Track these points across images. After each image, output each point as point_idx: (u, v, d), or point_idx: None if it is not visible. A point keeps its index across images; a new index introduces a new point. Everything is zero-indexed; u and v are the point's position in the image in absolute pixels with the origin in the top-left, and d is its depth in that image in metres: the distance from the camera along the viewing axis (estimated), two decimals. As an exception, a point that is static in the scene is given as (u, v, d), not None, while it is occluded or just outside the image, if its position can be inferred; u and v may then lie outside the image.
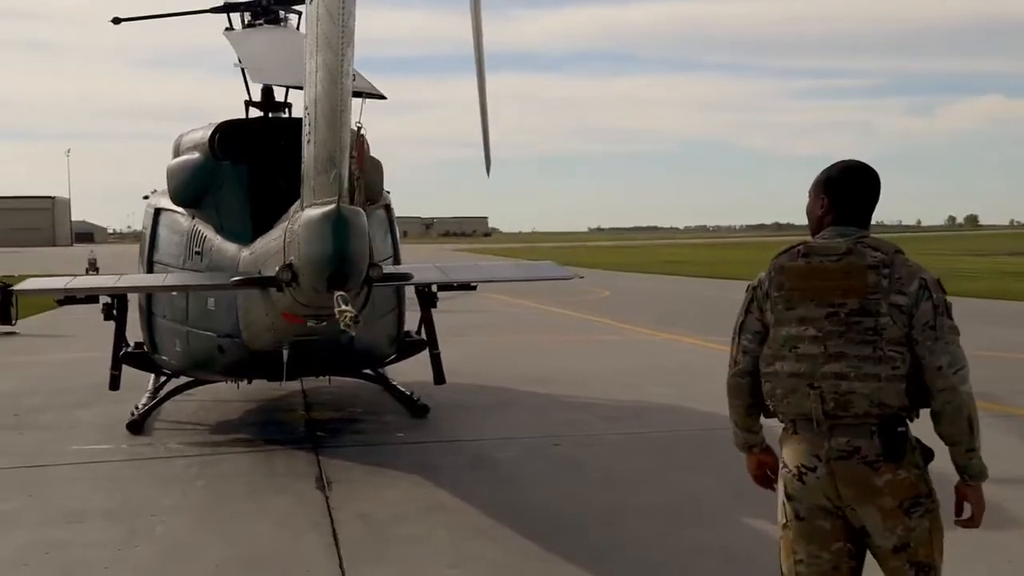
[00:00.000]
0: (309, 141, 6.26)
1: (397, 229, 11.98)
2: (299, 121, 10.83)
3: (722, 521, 7.12)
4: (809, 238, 3.88)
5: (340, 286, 6.18)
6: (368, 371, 11.88)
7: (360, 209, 6.15)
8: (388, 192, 12.56)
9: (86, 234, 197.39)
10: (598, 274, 50.54)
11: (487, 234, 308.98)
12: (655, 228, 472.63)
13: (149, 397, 11.58)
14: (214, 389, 12.09)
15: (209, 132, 10.20)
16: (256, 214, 9.64)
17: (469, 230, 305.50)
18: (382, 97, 7.39)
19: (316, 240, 6.06)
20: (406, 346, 12.20)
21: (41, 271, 44.31)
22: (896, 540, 3.59)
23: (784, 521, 3.76)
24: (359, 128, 7.00)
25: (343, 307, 5.88)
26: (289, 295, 6.94)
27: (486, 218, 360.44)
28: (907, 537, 3.58)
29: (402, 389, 12.13)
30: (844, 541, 3.67)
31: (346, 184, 5.98)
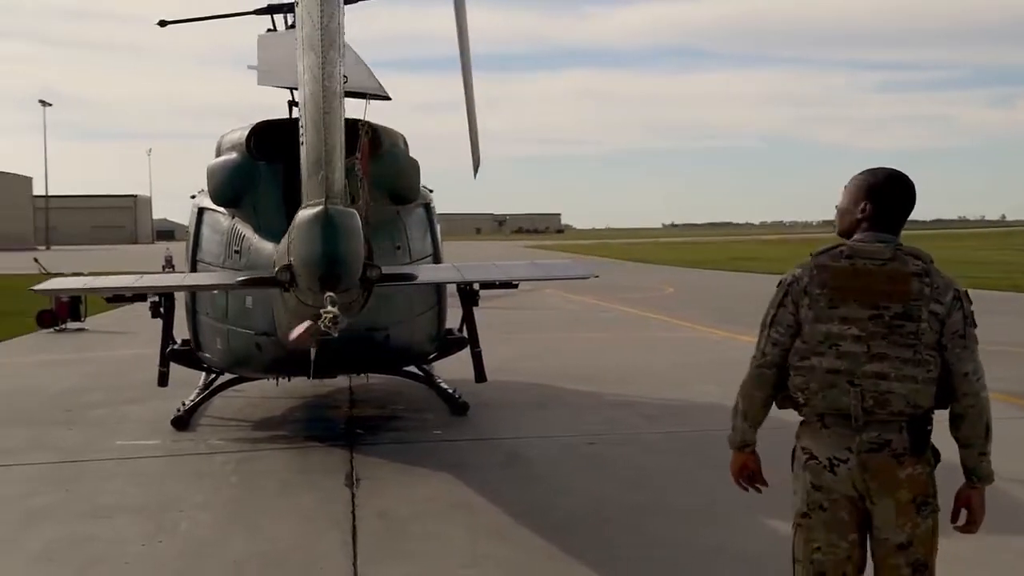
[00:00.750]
0: (302, 143, 6.30)
1: (438, 227, 12.02)
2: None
3: (741, 523, 7.03)
4: (844, 240, 4.00)
5: (333, 287, 6.21)
6: (413, 368, 11.95)
7: (352, 210, 6.15)
8: (431, 191, 12.61)
9: (167, 232, 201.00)
10: (666, 270, 50.36)
11: (560, 231, 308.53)
12: (729, 224, 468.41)
13: (197, 394, 11.76)
14: (262, 386, 12.26)
15: (246, 132, 10.31)
16: (292, 213, 9.71)
17: (542, 227, 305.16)
18: (387, 98, 7.37)
19: (306, 242, 6.10)
20: (447, 344, 12.23)
21: (119, 268, 45.30)
22: (904, 537, 3.78)
23: (805, 510, 3.90)
24: (363, 128, 7.02)
25: (327, 308, 5.91)
26: (293, 295, 6.99)
27: (559, 215, 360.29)
28: (912, 535, 3.78)
29: (444, 386, 12.17)
30: (858, 532, 3.85)
31: (338, 185, 5.99)
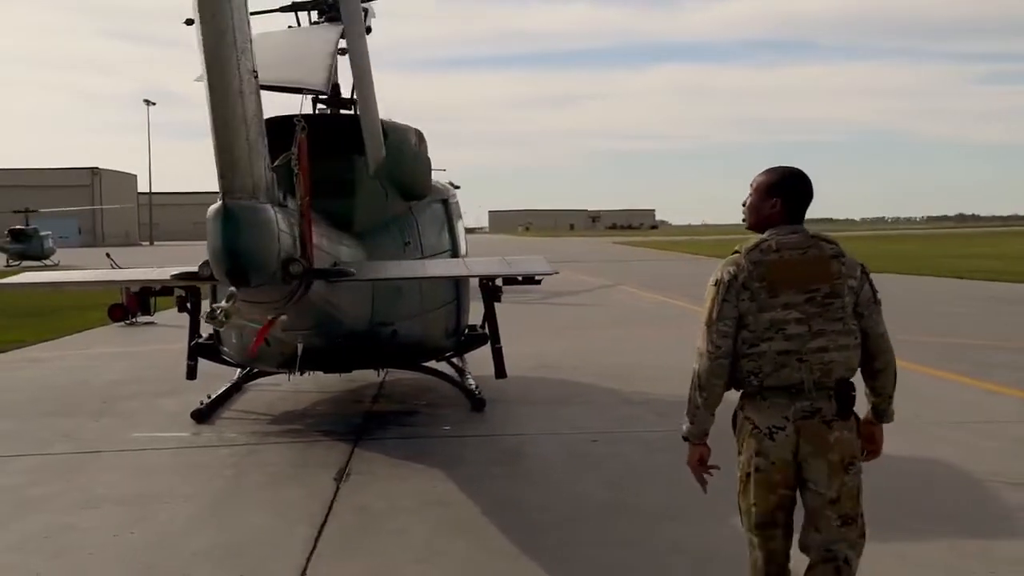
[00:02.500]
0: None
1: (459, 223, 12.01)
2: (343, 116, 11.07)
3: (711, 521, 6.89)
4: (757, 237, 4.50)
5: (241, 281, 6.23)
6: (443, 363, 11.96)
7: (259, 205, 6.11)
8: (457, 187, 12.63)
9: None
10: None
11: (654, 227, 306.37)
12: (829, 220, 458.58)
13: (227, 387, 11.96)
14: (296, 381, 12.37)
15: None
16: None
17: (636, 223, 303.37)
18: (323, 93, 7.33)
19: (208, 237, 6.13)
20: (468, 339, 12.22)
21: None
22: (833, 493, 4.30)
23: (749, 471, 4.42)
24: (299, 123, 7.03)
25: (220, 303, 5.94)
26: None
27: (653, 211, 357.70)
28: (840, 491, 4.31)
29: (471, 383, 12.18)
30: (788, 488, 4.38)
31: (243, 180, 5.96)
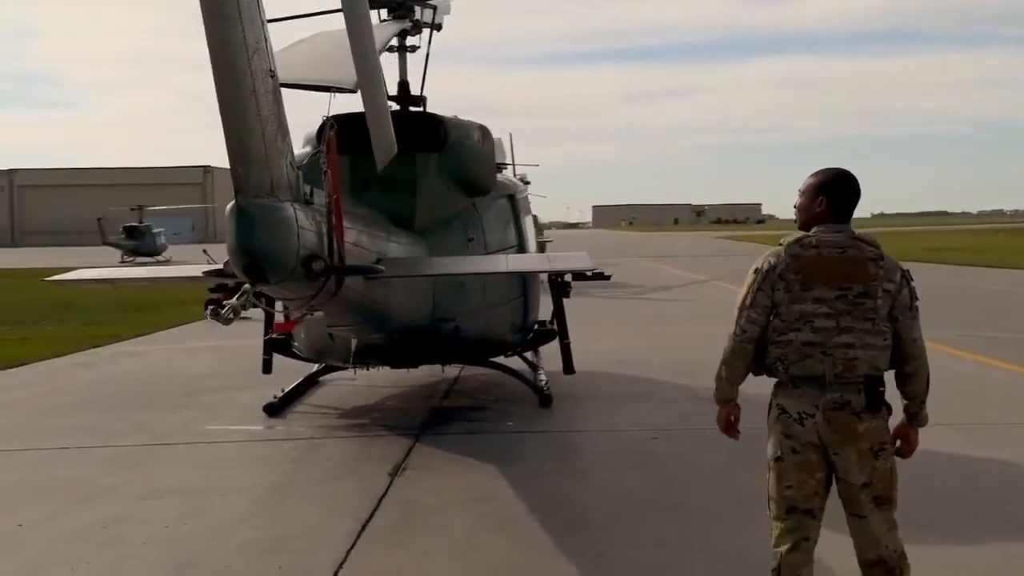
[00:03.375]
0: None
1: (526, 218, 12.02)
2: (404, 114, 11.14)
3: (749, 523, 6.73)
4: (801, 232, 4.69)
5: (259, 279, 6.31)
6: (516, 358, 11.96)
7: (271, 203, 6.15)
8: (528, 182, 12.63)
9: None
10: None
11: (760, 221, 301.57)
12: (944, 213, 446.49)
13: (299, 382, 12.17)
14: (371, 376, 12.50)
15: (317, 127, 10.56)
16: (359, 206, 9.91)
17: (741, 217, 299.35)
18: (352, 91, 7.36)
19: (227, 236, 6.21)
20: (537, 335, 12.22)
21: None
22: (864, 478, 4.50)
23: (779, 455, 4.60)
24: (328, 123, 7.10)
25: (231, 300, 6.02)
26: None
27: (759, 205, 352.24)
28: (872, 475, 4.51)
29: (542, 378, 12.21)
30: (824, 472, 4.58)
31: (258, 178, 6.02)
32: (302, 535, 6.98)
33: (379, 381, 13.03)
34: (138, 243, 67.37)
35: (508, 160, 35.28)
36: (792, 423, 4.55)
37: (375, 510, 7.53)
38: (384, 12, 12.06)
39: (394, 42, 11.83)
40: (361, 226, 8.09)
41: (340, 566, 6.33)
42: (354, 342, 9.23)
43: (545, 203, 57.38)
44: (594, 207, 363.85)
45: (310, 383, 12.24)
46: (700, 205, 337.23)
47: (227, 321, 6.14)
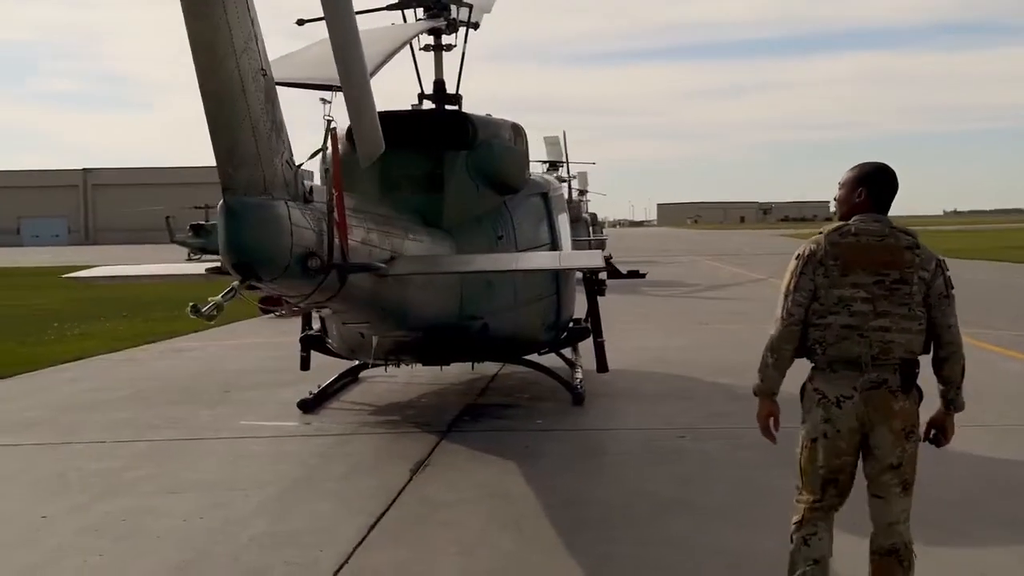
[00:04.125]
0: None
1: (559, 216, 11.98)
2: (432, 112, 11.14)
3: (762, 524, 6.69)
4: (841, 222, 4.88)
5: (250, 276, 6.33)
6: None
7: (261, 201, 6.16)
8: (564, 180, 12.58)
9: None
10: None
11: (828, 218, 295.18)
12: (1020, 211, 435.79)
13: (333, 379, 12.25)
14: (410, 372, 12.65)
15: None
16: (386, 204, 9.95)
17: (809, 214, 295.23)
18: (337, 89, 7.30)
19: (219, 233, 6.24)
20: (571, 333, 12.17)
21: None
22: (895, 459, 4.68)
23: (814, 436, 4.77)
24: (329, 122, 7.11)
25: (214, 297, 6.05)
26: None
27: (827, 202, 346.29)
28: (902, 457, 4.69)
29: (578, 376, 12.19)
30: (853, 456, 4.75)
31: (254, 177, 6.04)
32: (313, 530, 7.02)
33: (418, 378, 13.08)
34: (204, 241, 68.02)
35: (562, 158, 35.32)
36: (831, 406, 4.71)
37: (390, 506, 7.55)
38: (420, 11, 12.10)
39: (430, 41, 11.87)
40: (372, 224, 8.12)
41: (346, 561, 6.35)
42: (375, 339, 9.27)
43: (610, 201, 57.39)
44: (659, 205, 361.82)
45: (345, 380, 12.30)
46: (767, 203, 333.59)
47: (209, 317, 6.18)
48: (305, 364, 12.44)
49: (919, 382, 4.75)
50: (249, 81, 5.88)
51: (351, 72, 6.33)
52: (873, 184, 4.87)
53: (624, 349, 15.49)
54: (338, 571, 6.19)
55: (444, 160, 10.22)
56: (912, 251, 4.73)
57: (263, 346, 17.95)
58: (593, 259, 9.03)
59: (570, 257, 10.06)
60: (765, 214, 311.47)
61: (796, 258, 4.85)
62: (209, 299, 6.25)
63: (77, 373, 15.29)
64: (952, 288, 4.80)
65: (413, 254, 8.78)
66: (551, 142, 36.67)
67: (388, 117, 10.69)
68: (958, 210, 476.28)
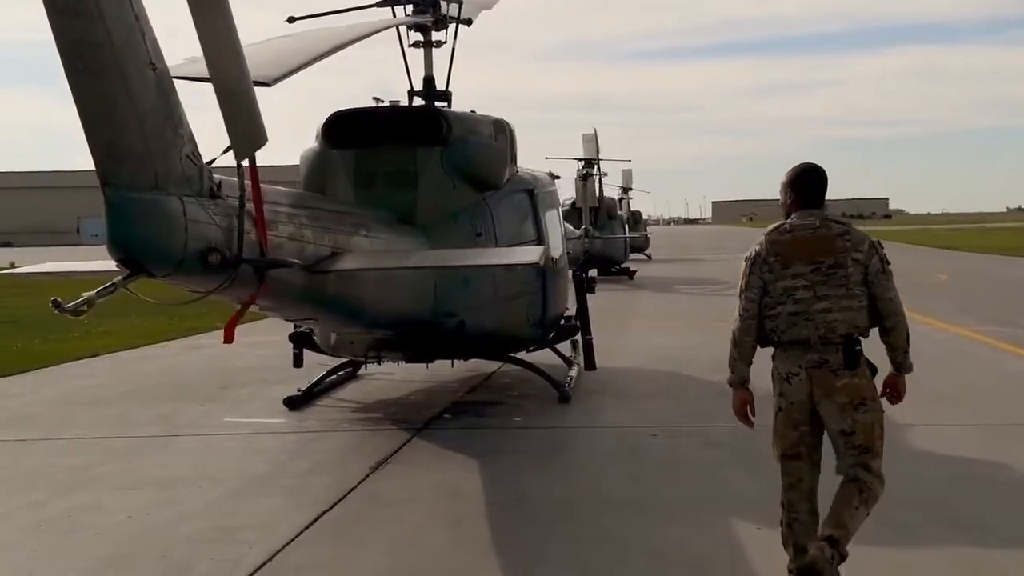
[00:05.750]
0: None
1: (546, 213, 11.88)
2: (406, 109, 11.04)
3: (712, 522, 6.64)
4: (781, 220, 5.44)
5: (139, 271, 6.25)
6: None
7: (150, 197, 6.03)
8: (556, 177, 12.51)
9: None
10: (963, 257, 46.75)
11: (887, 216, 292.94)
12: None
13: (319, 377, 12.20)
14: (408, 369, 12.59)
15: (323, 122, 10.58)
16: (360, 200, 9.91)
17: (867, 212, 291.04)
18: (266, 84, 7.17)
19: (105, 228, 6.15)
20: (559, 330, 12.04)
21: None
22: (846, 427, 5.20)
23: (777, 409, 5.34)
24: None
25: (88, 292, 5.96)
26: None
27: (886, 199, 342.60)
28: (854, 426, 5.19)
29: (571, 374, 12.08)
30: (808, 425, 5.28)
31: (144, 172, 5.96)
32: (252, 527, 6.98)
33: (415, 376, 13.00)
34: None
35: (594, 155, 35.07)
36: (783, 382, 5.30)
37: (336, 503, 7.50)
38: (410, 8, 12.01)
39: (419, 37, 11.78)
40: (310, 220, 8.04)
41: (270, 558, 6.30)
42: (333, 336, 9.20)
43: (663, 199, 57.04)
44: (714, 202, 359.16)
45: (332, 376, 12.26)
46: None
47: (76, 313, 6.11)
48: (297, 361, 12.42)
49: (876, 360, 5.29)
50: (134, 77, 5.81)
51: (219, 62, 6.25)
52: (797, 186, 5.44)
53: (631, 348, 15.37)
54: (259, 568, 6.15)
55: (417, 157, 10.15)
56: (842, 237, 5.25)
57: (276, 344, 17.83)
58: (529, 255, 8.87)
59: (503, 254, 9.90)
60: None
61: (745, 260, 5.42)
62: (83, 294, 6.17)
63: (88, 370, 15.44)
64: (888, 264, 5.30)
65: (366, 250, 8.70)
66: (587, 139, 36.43)
67: (361, 114, 10.74)
68: (1021, 207, 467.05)
